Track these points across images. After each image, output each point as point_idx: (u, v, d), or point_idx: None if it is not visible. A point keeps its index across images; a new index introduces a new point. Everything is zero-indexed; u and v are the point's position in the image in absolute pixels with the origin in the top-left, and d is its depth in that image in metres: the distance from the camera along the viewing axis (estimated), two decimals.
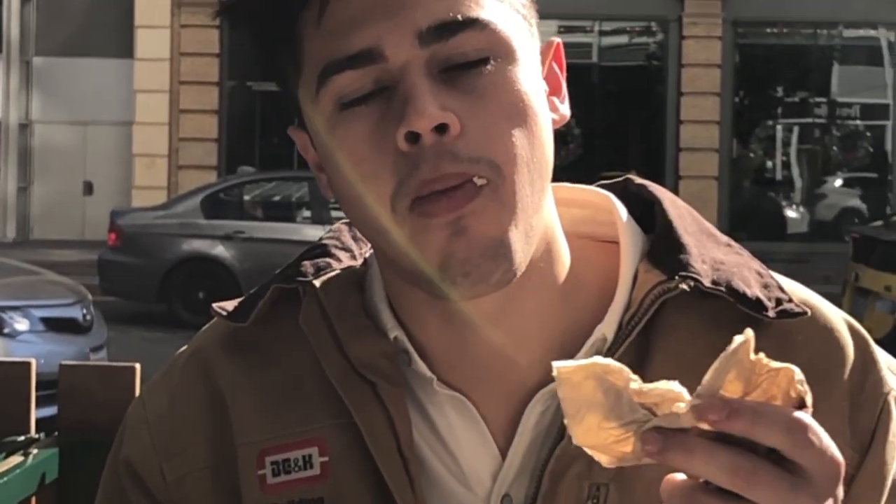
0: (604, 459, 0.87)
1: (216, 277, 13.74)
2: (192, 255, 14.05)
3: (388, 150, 1.01)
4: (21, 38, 21.97)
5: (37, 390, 2.34)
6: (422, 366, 1.11)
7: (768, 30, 22.06)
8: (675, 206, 1.16)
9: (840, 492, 0.87)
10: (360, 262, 1.19)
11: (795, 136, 22.66)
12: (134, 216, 14.85)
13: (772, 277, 1.12)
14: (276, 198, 15.30)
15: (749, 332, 0.84)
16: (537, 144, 1.03)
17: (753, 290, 1.09)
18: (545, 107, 1.07)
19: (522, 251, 1.03)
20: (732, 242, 1.16)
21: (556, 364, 0.86)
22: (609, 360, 0.86)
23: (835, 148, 22.47)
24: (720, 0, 20.80)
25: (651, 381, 0.86)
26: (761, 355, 0.84)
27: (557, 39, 1.14)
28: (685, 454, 0.84)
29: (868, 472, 1.09)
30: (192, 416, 1.17)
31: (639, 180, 1.20)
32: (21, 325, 8.24)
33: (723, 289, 1.08)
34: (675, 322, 1.09)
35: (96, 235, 18.88)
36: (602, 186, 1.20)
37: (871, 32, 22.21)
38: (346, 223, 1.22)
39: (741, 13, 20.83)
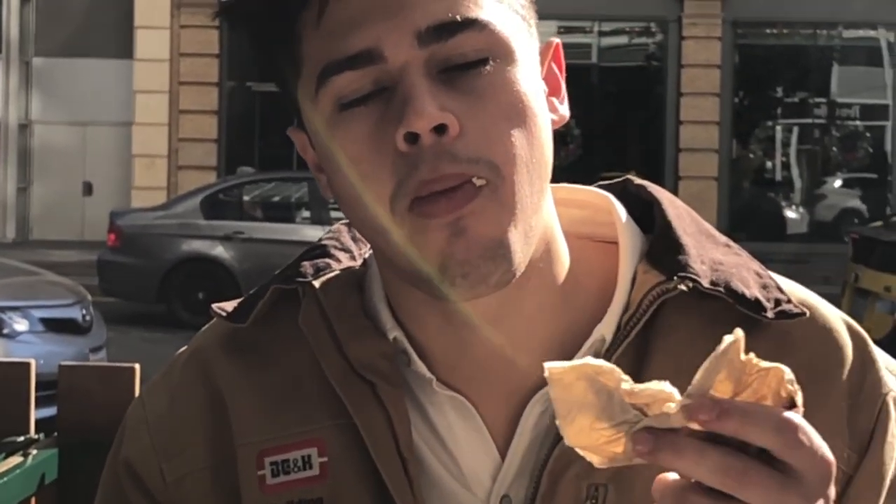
0: (595, 460, 0.87)
1: (216, 278, 13.74)
2: (192, 256, 14.05)
3: (388, 151, 1.01)
4: (20, 39, 21.97)
5: (36, 391, 2.34)
6: (421, 366, 1.11)
7: (768, 30, 22.07)
8: (674, 207, 1.16)
9: (832, 492, 0.87)
10: (359, 262, 1.19)
11: (795, 136, 22.66)
12: (133, 217, 14.85)
13: (771, 278, 1.12)
14: (276, 198, 15.30)
15: (739, 332, 0.84)
16: (536, 145, 1.03)
17: (752, 290, 1.09)
18: (544, 107, 1.07)
19: (522, 252, 1.03)
20: (731, 243, 1.16)
21: (547, 365, 0.86)
22: (600, 361, 0.86)
23: (834, 148, 22.47)
24: (720, 0, 20.80)
25: (650, 381, 0.86)
26: (751, 355, 0.84)
27: (557, 40, 1.14)
28: (675, 454, 0.84)
29: (866, 472, 1.09)
30: (192, 417, 1.17)
31: (638, 181, 1.20)
32: (20, 325, 8.24)
33: (721, 289, 1.08)
34: (673, 323, 1.09)
35: (96, 236, 18.89)
36: (601, 187, 1.20)
37: (871, 33, 22.21)
38: (345, 224, 1.22)
39: (741, 14, 20.83)
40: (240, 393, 1.16)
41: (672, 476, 0.87)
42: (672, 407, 0.84)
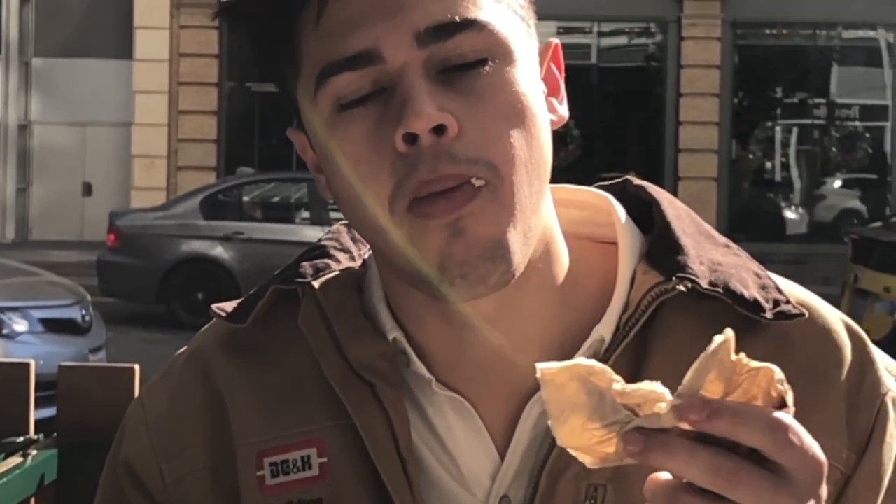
0: (587, 460, 0.88)
1: (215, 278, 13.74)
2: (192, 256, 14.05)
3: (387, 152, 1.01)
4: (20, 39, 21.97)
5: (36, 391, 2.34)
6: (420, 367, 1.11)
7: (767, 31, 22.07)
8: (673, 207, 1.16)
9: (823, 491, 0.87)
10: (358, 263, 1.19)
11: (794, 137, 22.66)
12: (133, 217, 14.85)
13: (770, 278, 1.12)
14: (275, 199, 15.30)
15: (729, 332, 0.84)
16: (535, 145, 1.03)
17: (751, 291, 1.09)
18: (543, 108, 1.07)
19: (521, 252, 1.03)
20: (731, 243, 1.16)
21: (539, 366, 0.86)
22: (592, 362, 0.86)
23: (834, 149, 22.47)
24: (719, 1, 20.81)
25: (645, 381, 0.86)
26: (742, 355, 0.84)
27: (556, 40, 1.14)
28: (666, 454, 0.84)
29: (865, 472, 1.09)
30: (191, 417, 1.17)
31: (637, 181, 1.20)
32: (20, 326, 8.24)
33: (720, 290, 1.08)
34: (672, 323, 1.09)
35: (95, 236, 18.89)
36: (601, 187, 1.21)
37: (871, 33, 22.22)
38: (344, 224, 1.22)
39: (740, 14, 20.83)
40: (239, 393, 1.16)
41: (664, 476, 0.87)
42: (663, 407, 0.84)
